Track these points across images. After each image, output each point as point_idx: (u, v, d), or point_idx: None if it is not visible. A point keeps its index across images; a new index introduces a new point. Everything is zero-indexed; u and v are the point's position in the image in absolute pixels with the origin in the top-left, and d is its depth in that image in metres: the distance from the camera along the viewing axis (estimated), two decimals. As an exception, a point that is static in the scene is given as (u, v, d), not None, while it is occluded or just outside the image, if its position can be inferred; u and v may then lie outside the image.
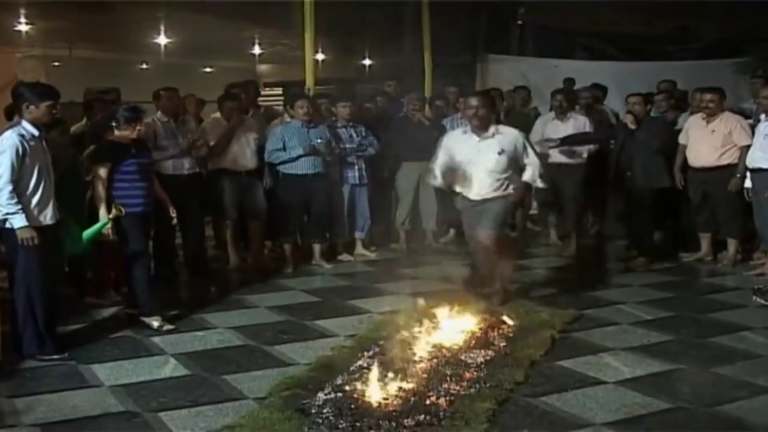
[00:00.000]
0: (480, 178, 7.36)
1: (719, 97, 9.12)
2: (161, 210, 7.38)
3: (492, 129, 7.40)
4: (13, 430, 4.98)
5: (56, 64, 20.39)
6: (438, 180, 7.66)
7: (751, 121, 9.24)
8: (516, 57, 15.60)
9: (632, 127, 9.18)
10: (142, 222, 7.04)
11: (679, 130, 9.59)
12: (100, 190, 6.88)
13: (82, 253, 7.13)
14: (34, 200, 6.08)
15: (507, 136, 7.39)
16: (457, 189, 7.52)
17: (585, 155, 9.82)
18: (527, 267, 9.36)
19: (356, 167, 9.74)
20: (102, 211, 6.83)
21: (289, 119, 9.48)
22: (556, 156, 9.74)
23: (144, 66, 22.87)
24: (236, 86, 10.17)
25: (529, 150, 7.47)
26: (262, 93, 12.74)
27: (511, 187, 7.38)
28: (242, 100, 9.56)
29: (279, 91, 12.60)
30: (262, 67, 23.81)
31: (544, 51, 15.22)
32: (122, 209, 6.78)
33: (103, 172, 6.88)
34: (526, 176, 7.44)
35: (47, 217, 6.15)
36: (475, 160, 7.35)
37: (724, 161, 9.01)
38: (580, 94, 11.03)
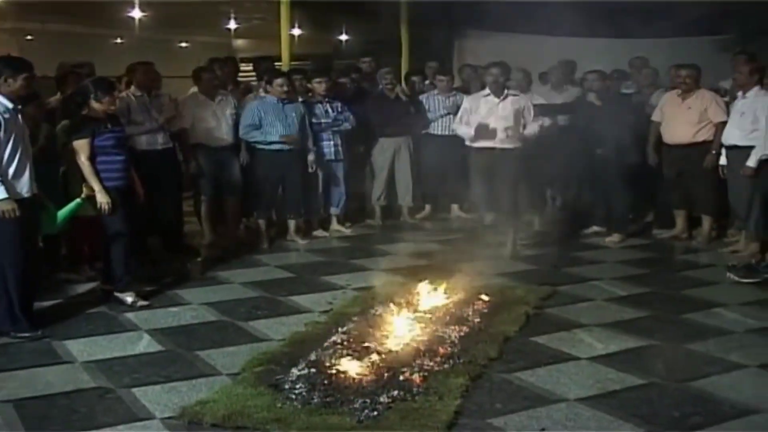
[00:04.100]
0: None
1: (696, 73, 9.15)
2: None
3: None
4: (-15, 406, 4.98)
5: (29, 38, 20.19)
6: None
7: (726, 98, 9.29)
8: (495, 33, 15.55)
9: (597, 103, 9.21)
10: (121, 196, 6.97)
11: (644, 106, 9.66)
12: (87, 165, 6.81)
13: (57, 230, 7.08)
14: (10, 173, 6.05)
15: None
16: None
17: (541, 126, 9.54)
18: (500, 243, 9.36)
19: (332, 143, 9.74)
20: (97, 187, 6.78)
21: (264, 94, 9.47)
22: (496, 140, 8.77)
23: (118, 40, 22.66)
24: (217, 61, 10.17)
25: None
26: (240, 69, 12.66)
27: None
28: (218, 74, 9.55)
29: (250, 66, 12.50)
30: (238, 42, 23.67)
31: (524, 26, 15.15)
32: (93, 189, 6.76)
33: (86, 147, 6.80)
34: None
35: (23, 190, 6.13)
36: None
37: (700, 138, 9.04)
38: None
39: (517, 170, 8.66)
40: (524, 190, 9.05)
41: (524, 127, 8.77)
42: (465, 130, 8.83)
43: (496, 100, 8.65)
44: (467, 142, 8.86)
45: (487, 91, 8.82)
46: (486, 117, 8.66)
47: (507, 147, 8.59)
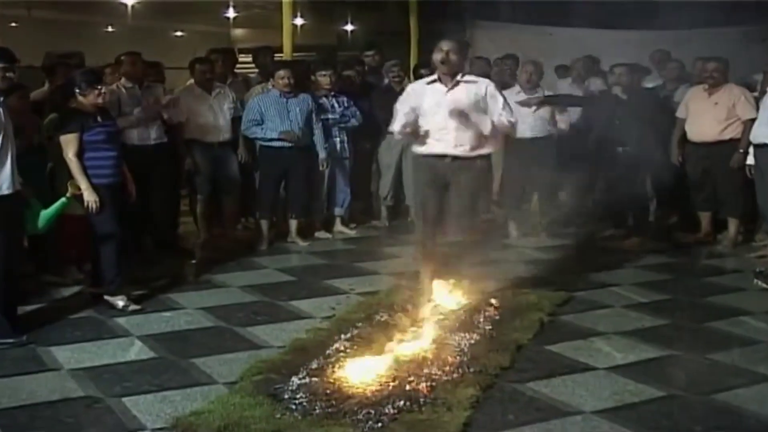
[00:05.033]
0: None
1: (724, 66, 9.14)
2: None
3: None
4: (-33, 415, 5.00)
5: (13, 25, 20.24)
6: None
7: (756, 93, 9.28)
8: (508, 23, 15.57)
9: (623, 97, 9.20)
10: (112, 194, 7.01)
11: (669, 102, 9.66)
12: (75, 161, 6.83)
13: (42, 231, 7.09)
14: None
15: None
16: None
17: (565, 125, 9.66)
18: (512, 246, 9.40)
19: (338, 139, 9.76)
20: (84, 185, 6.81)
21: (271, 87, 9.48)
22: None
23: (109, 29, 22.74)
24: (216, 52, 10.21)
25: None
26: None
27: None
28: (215, 65, 9.58)
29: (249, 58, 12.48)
30: (237, 32, 23.72)
31: (538, 17, 15.17)
32: (80, 186, 6.78)
33: (74, 142, 6.83)
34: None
35: (4, 186, 6.10)
36: None
37: (727, 136, 9.03)
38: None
39: (476, 188, 6.99)
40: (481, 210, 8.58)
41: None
42: (396, 126, 6.95)
43: (444, 88, 6.84)
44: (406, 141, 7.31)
45: (434, 76, 7.00)
46: (432, 111, 6.81)
47: (465, 155, 6.80)
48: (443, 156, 6.78)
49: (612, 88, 9.48)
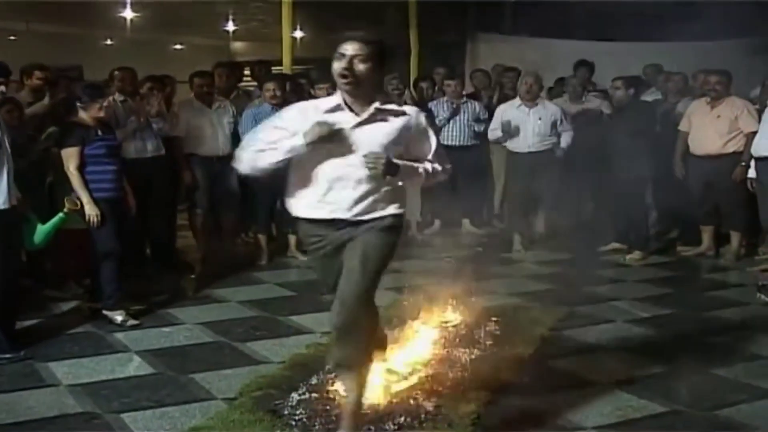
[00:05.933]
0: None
1: (726, 79, 9.15)
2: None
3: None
4: (-36, 431, 5.00)
5: (12, 38, 20.25)
6: None
7: (758, 106, 9.29)
8: (509, 36, 15.61)
9: (607, 111, 9.21)
10: (112, 208, 7.02)
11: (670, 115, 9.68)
12: (76, 175, 6.85)
13: (38, 246, 7.08)
14: None
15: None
16: None
17: (566, 143, 9.63)
18: (514, 261, 9.41)
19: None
20: (86, 198, 6.82)
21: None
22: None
23: (108, 42, 22.75)
24: (222, 66, 10.23)
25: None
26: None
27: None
28: (215, 79, 9.59)
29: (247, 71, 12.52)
30: (237, 45, 23.75)
31: (539, 29, 15.21)
32: (77, 202, 6.78)
33: (75, 156, 6.86)
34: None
35: (0, 200, 6.08)
36: None
37: (730, 149, 9.05)
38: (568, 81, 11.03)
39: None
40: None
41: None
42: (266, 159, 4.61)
43: (352, 119, 4.40)
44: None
45: (336, 99, 4.55)
46: (326, 153, 4.40)
47: (368, 218, 4.48)
48: (334, 221, 4.51)
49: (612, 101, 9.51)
